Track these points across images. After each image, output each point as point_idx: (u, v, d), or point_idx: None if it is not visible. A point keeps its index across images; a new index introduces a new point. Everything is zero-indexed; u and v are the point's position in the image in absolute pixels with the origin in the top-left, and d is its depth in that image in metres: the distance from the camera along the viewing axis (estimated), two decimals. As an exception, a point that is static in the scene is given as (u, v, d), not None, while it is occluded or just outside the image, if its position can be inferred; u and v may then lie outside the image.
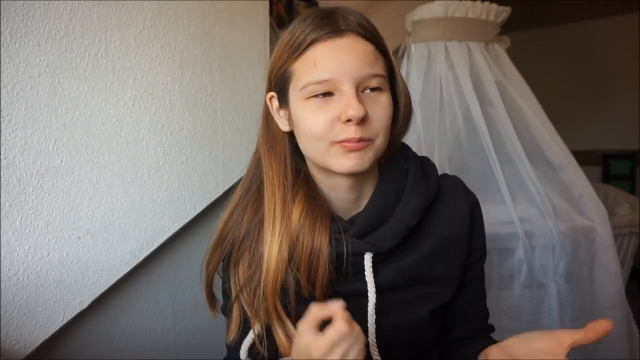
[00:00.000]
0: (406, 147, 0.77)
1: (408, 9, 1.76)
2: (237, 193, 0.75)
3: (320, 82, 0.63)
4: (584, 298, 1.46)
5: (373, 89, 0.64)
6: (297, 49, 0.64)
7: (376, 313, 0.69)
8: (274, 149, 0.71)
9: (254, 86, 1.26)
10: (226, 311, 0.75)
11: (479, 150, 1.55)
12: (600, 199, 1.55)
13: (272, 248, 0.66)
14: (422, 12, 1.68)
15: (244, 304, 0.69)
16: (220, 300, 0.78)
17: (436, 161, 1.52)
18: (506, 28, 1.74)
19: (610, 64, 3.88)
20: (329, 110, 0.63)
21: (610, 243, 1.47)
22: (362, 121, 0.62)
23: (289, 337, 0.66)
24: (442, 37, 1.65)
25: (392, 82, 0.69)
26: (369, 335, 0.69)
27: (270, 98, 0.71)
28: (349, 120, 0.61)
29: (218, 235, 0.73)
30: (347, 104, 0.61)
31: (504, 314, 1.41)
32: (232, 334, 0.71)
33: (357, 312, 0.68)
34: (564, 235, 1.42)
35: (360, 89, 0.63)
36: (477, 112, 1.56)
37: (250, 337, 0.70)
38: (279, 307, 0.67)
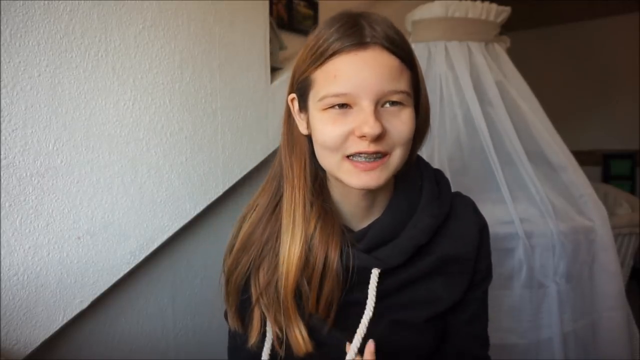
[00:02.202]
0: (422, 161, 0.77)
1: (408, 9, 1.76)
2: (263, 198, 0.74)
3: (338, 95, 0.61)
4: (584, 298, 1.46)
5: (394, 103, 0.62)
6: (320, 58, 0.63)
7: (373, 319, 0.69)
8: (295, 151, 0.71)
9: (254, 86, 1.26)
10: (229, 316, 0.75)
11: (479, 150, 1.55)
12: (600, 199, 1.55)
13: (292, 249, 0.66)
14: (422, 12, 1.68)
15: (263, 308, 0.69)
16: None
17: (436, 161, 1.52)
18: (506, 28, 1.74)
19: (610, 64, 3.88)
20: (345, 124, 0.62)
21: (611, 243, 1.47)
22: (378, 137, 0.61)
23: (304, 340, 0.67)
24: (442, 37, 1.65)
25: (417, 96, 0.68)
26: (354, 341, 0.68)
27: (292, 100, 0.70)
28: (363, 136, 0.60)
29: (245, 240, 0.72)
30: (363, 120, 0.60)
31: (504, 314, 1.41)
32: (253, 338, 0.70)
33: (354, 320, 0.69)
34: (564, 236, 1.42)
35: (380, 103, 0.62)
36: (477, 112, 1.56)
37: (268, 346, 0.70)
38: (296, 309, 0.67)
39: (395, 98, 0.62)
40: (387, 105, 0.62)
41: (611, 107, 3.89)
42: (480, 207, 0.79)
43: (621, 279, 1.49)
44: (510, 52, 1.75)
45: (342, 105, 0.62)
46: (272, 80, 1.33)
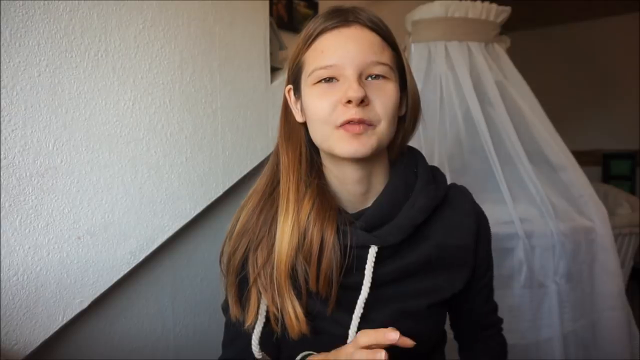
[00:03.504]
0: (418, 153, 0.79)
1: (408, 9, 1.76)
2: (260, 184, 0.77)
3: (325, 68, 0.66)
4: (584, 298, 1.46)
5: (377, 77, 0.67)
6: (308, 39, 0.69)
7: (369, 306, 0.70)
8: (291, 139, 0.74)
9: (254, 86, 1.26)
10: (227, 307, 0.76)
11: (479, 150, 1.55)
12: (600, 199, 1.55)
13: (285, 230, 0.68)
14: (422, 12, 1.68)
15: (260, 288, 0.71)
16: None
17: (436, 161, 1.52)
18: (506, 28, 1.74)
19: (610, 64, 3.88)
20: (333, 95, 0.66)
21: (610, 243, 1.47)
22: (363, 104, 0.64)
23: (298, 320, 0.68)
24: (442, 37, 1.65)
25: (403, 80, 0.72)
26: (351, 327, 0.69)
27: (289, 90, 0.75)
28: (349, 102, 0.64)
29: (243, 225, 0.74)
30: (347, 86, 0.64)
31: (504, 314, 1.40)
32: (250, 319, 0.71)
33: (351, 304, 0.70)
34: (564, 235, 1.42)
35: (364, 75, 0.66)
36: (477, 112, 1.56)
37: (259, 330, 0.72)
38: (290, 289, 0.69)
39: (377, 70, 0.67)
40: (370, 78, 0.67)
41: (611, 107, 3.89)
42: (480, 206, 0.79)
43: (621, 279, 1.49)
44: (510, 52, 1.75)
45: (329, 79, 0.67)
46: (272, 80, 1.33)
